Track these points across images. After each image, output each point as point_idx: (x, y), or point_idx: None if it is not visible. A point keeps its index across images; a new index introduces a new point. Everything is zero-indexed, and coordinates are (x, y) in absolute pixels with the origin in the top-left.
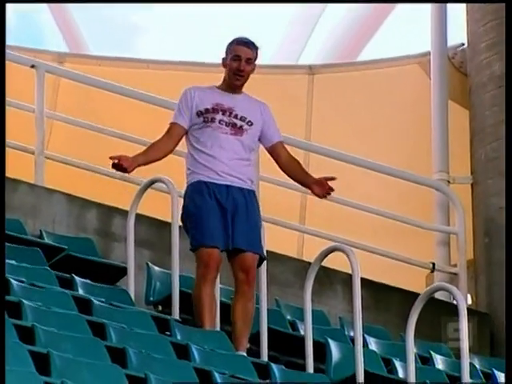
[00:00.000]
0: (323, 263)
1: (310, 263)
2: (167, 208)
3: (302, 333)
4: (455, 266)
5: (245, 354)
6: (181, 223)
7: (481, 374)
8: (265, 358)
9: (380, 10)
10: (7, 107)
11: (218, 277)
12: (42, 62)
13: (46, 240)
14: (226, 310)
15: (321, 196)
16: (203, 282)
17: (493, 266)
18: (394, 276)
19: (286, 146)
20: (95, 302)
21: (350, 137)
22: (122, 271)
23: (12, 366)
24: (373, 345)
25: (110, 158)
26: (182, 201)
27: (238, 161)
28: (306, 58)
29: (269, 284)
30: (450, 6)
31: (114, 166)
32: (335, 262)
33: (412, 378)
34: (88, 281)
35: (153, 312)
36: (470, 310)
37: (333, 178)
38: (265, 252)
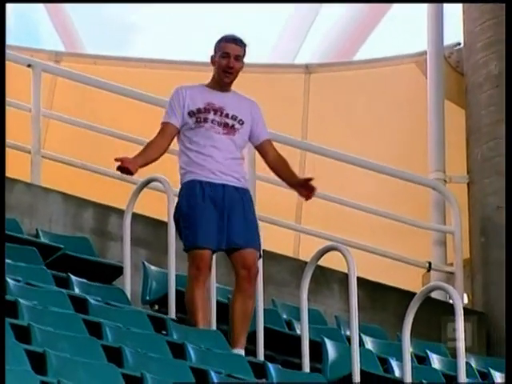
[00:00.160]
0: (319, 262)
1: (306, 262)
2: (163, 207)
3: (299, 332)
4: (451, 265)
5: (242, 352)
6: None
7: (477, 374)
8: (261, 357)
9: (376, 9)
10: None
11: (215, 276)
12: (38, 61)
13: (43, 239)
14: (223, 310)
15: (305, 197)
16: (196, 283)
17: (489, 265)
18: (390, 275)
19: (283, 145)
20: (91, 301)
21: (347, 136)
22: (118, 270)
23: (8, 365)
24: (369, 344)
25: (116, 159)
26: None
27: (232, 160)
28: (303, 57)
29: (265, 283)
30: (446, 5)
31: (119, 168)
32: (331, 261)
33: (408, 377)
34: (84, 280)
35: (149, 311)
36: (469, 310)
37: (310, 179)
38: (261, 251)
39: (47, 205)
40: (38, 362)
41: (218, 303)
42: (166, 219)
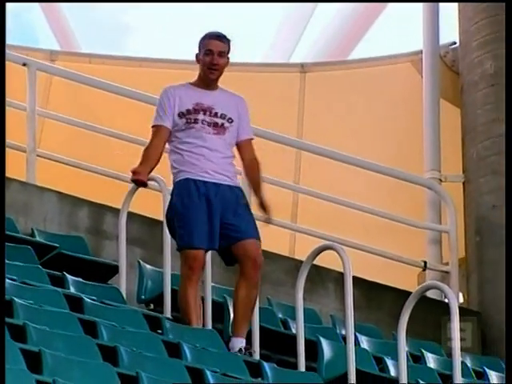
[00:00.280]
0: (315, 262)
1: (301, 262)
2: (159, 206)
3: (294, 331)
4: (447, 264)
5: (243, 342)
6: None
7: (473, 373)
8: (257, 356)
9: (372, 8)
10: None
11: (210, 275)
12: (33, 60)
13: (38, 238)
14: (219, 309)
15: (264, 220)
16: (189, 283)
17: (484, 264)
18: (385, 274)
19: (278, 144)
20: (87, 300)
21: (342, 135)
22: (113, 269)
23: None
24: (364, 343)
25: (132, 171)
26: None
27: (224, 159)
28: (298, 56)
29: (261, 282)
30: (441, 4)
31: (133, 180)
32: (327, 260)
33: (404, 376)
34: (79, 279)
35: (144, 310)
36: (468, 310)
37: (265, 208)
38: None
39: (42, 204)
40: (34, 361)
41: (214, 302)
42: (161, 218)
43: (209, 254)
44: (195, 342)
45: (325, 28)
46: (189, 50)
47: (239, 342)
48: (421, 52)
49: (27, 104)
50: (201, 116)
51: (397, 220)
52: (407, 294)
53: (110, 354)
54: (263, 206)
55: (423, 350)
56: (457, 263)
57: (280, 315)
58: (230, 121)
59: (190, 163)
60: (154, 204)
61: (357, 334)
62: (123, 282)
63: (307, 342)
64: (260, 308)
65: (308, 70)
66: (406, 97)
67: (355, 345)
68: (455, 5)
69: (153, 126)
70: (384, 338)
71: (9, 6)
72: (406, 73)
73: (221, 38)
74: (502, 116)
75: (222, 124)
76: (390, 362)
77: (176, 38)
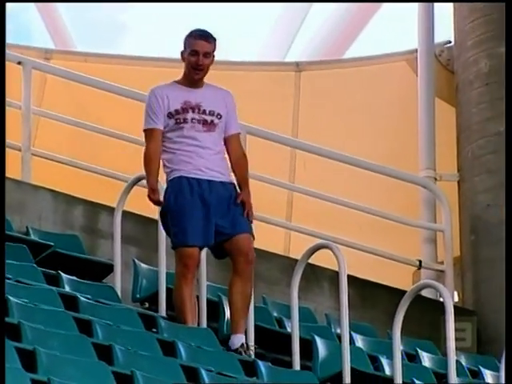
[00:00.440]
0: (310, 260)
1: (296, 260)
2: (153, 205)
3: (289, 330)
4: (442, 263)
5: (243, 338)
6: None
7: (467, 372)
8: (251, 355)
9: (367, 6)
10: None
11: (205, 274)
12: (28, 58)
13: (33, 237)
14: (214, 307)
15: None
16: (184, 281)
17: (479, 263)
18: (380, 273)
19: (273, 142)
20: (82, 298)
21: (337, 134)
22: (108, 268)
23: None
24: (359, 342)
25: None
26: None
27: (216, 155)
28: (293, 55)
29: (255, 281)
30: (437, 3)
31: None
32: (322, 259)
33: (398, 375)
34: (74, 278)
35: (139, 309)
36: (467, 310)
37: (245, 207)
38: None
39: (37, 202)
40: (28, 360)
41: (208, 301)
42: (156, 217)
43: (204, 252)
44: (190, 340)
45: (320, 27)
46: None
47: (239, 339)
48: (416, 51)
49: (22, 102)
50: (190, 115)
51: (392, 219)
52: (402, 292)
53: (104, 353)
54: (244, 202)
55: (418, 349)
56: (452, 262)
57: (275, 314)
58: (219, 117)
59: (183, 161)
60: (148, 203)
61: (352, 332)
62: (118, 280)
63: (302, 341)
64: (255, 307)
65: (303, 69)
66: (401, 95)
67: (350, 344)
68: (450, 4)
69: (145, 130)
70: (379, 337)
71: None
72: (401, 72)
73: (207, 37)
74: (497, 115)
75: (212, 121)
76: (384, 361)
77: (171, 37)
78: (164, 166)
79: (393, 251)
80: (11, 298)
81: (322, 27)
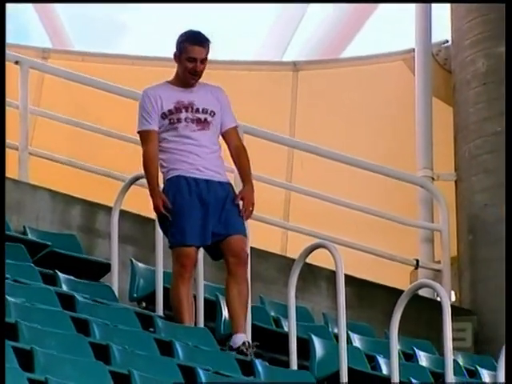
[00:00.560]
0: (307, 260)
1: (293, 260)
2: (151, 204)
3: (286, 329)
4: (439, 262)
5: (245, 337)
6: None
7: (464, 371)
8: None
9: (364, 6)
10: None
11: (202, 274)
12: (26, 57)
13: (30, 236)
14: (211, 307)
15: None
16: (181, 281)
17: (477, 262)
18: (377, 273)
19: (271, 142)
20: (79, 298)
21: (335, 133)
22: (105, 267)
23: None
24: (357, 341)
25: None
26: None
27: (212, 154)
28: (291, 54)
29: (253, 281)
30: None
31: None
32: (319, 258)
33: (396, 374)
34: (72, 277)
35: (136, 308)
36: (466, 310)
37: (243, 200)
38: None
39: (35, 202)
40: (26, 359)
41: (206, 300)
42: (153, 216)
43: (201, 251)
44: (187, 340)
45: (317, 26)
46: None
47: (240, 338)
48: (413, 50)
49: (19, 102)
50: (183, 114)
51: (389, 218)
52: (399, 292)
53: (102, 352)
54: (244, 198)
55: (415, 349)
56: (449, 262)
57: (272, 313)
58: (213, 114)
59: (180, 161)
60: (146, 202)
61: (349, 332)
62: (115, 280)
63: (299, 341)
64: (252, 306)
65: (301, 69)
66: (399, 95)
67: (347, 343)
68: (448, 3)
69: (140, 132)
70: (376, 337)
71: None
72: (399, 71)
73: (203, 43)
74: (494, 114)
75: (205, 119)
76: (382, 361)
77: (170, 37)
78: (161, 165)
79: (390, 251)
80: (8, 297)
81: (320, 27)
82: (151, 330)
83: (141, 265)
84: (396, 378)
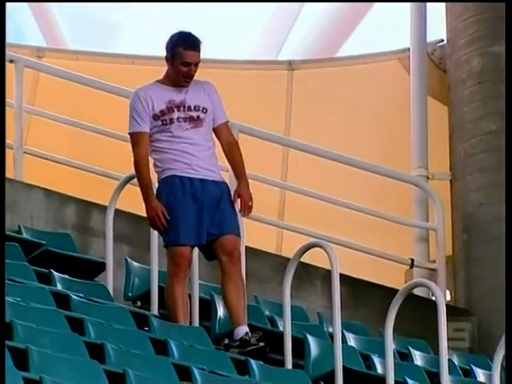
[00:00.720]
0: (302, 259)
1: (289, 259)
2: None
3: (281, 329)
4: (434, 261)
5: (246, 328)
6: None
7: (459, 371)
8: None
9: (359, 5)
10: None
11: (197, 273)
12: (20, 56)
13: (25, 235)
14: (205, 306)
15: (240, 209)
16: (176, 280)
17: (471, 262)
18: (373, 272)
19: (266, 141)
20: (74, 297)
21: (330, 133)
22: (100, 266)
23: None
24: (351, 341)
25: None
26: None
27: (205, 152)
28: (286, 53)
29: (248, 280)
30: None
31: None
32: (314, 257)
33: (391, 374)
34: (66, 276)
35: (131, 307)
36: (460, 310)
37: (240, 198)
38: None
39: (29, 201)
40: (20, 358)
41: (201, 300)
42: None
43: (196, 250)
44: (182, 339)
45: (313, 25)
46: None
47: (241, 330)
48: (408, 49)
49: (14, 101)
50: (175, 114)
51: (384, 217)
52: (394, 291)
53: (96, 352)
54: (241, 196)
55: (410, 348)
56: (444, 261)
57: (267, 312)
58: (205, 111)
59: (174, 160)
60: (141, 201)
61: (344, 331)
62: (110, 279)
63: (294, 340)
64: (247, 305)
65: (296, 68)
66: (394, 94)
67: (342, 342)
68: (443, 2)
69: (131, 134)
70: (371, 336)
71: None
72: (394, 70)
73: (196, 47)
74: (489, 113)
75: (198, 116)
76: (377, 360)
77: (165, 36)
78: (155, 165)
79: (385, 250)
80: None
81: (315, 26)
82: (146, 329)
83: (136, 264)
84: (391, 377)
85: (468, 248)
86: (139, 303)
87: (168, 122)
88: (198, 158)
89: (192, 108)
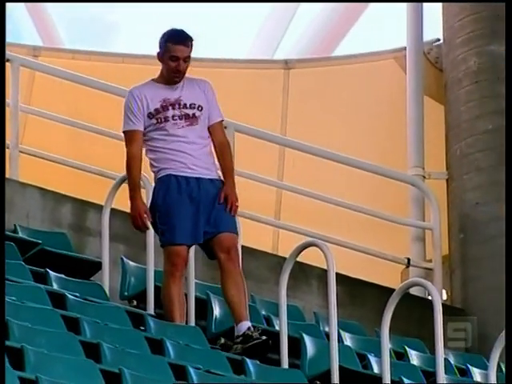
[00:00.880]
0: (298, 258)
1: (285, 258)
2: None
3: (277, 328)
4: (430, 261)
5: (249, 323)
6: None
7: (456, 370)
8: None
9: (356, 4)
10: None
11: (193, 272)
12: (17, 55)
13: (21, 234)
14: (202, 306)
15: (225, 209)
16: (172, 280)
17: (468, 261)
18: (369, 271)
19: (262, 140)
20: (69, 296)
21: (326, 132)
22: (96, 266)
23: None
24: (348, 340)
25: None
26: None
27: (201, 150)
28: (282, 52)
29: (244, 279)
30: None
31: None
32: (310, 257)
33: (387, 373)
34: (62, 275)
35: (127, 307)
36: (460, 310)
37: (227, 200)
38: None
39: (25, 200)
40: (16, 358)
41: (197, 299)
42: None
43: (192, 250)
44: (178, 338)
45: (309, 24)
46: None
47: (244, 325)
48: (404, 49)
49: (10, 100)
50: (170, 112)
51: (380, 217)
52: (391, 290)
53: (92, 351)
54: (227, 196)
55: (406, 347)
56: (440, 260)
57: (263, 312)
58: (200, 108)
59: (170, 160)
60: None
61: (340, 330)
62: (106, 278)
63: (290, 339)
64: None
65: (292, 67)
66: (390, 93)
67: (338, 342)
68: (440, 2)
69: (125, 132)
70: (367, 335)
71: None
72: (390, 69)
73: (185, 41)
74: (485, 113)
75: (193, 114)
76: (373, 359)
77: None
78: (151, 165)
79: (381, 249)
80: None
81: (311, 25)
82: (142, 328)
83: (132, 263)
84: (387, 376)
85: (464, 247)
86: (135, 302)
87: (163, 120)
88: (194, 156)
89: (187, 106)
